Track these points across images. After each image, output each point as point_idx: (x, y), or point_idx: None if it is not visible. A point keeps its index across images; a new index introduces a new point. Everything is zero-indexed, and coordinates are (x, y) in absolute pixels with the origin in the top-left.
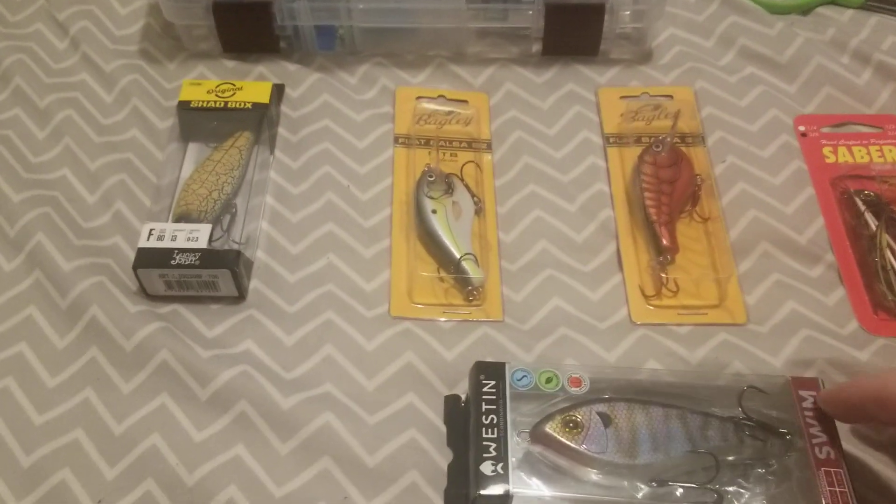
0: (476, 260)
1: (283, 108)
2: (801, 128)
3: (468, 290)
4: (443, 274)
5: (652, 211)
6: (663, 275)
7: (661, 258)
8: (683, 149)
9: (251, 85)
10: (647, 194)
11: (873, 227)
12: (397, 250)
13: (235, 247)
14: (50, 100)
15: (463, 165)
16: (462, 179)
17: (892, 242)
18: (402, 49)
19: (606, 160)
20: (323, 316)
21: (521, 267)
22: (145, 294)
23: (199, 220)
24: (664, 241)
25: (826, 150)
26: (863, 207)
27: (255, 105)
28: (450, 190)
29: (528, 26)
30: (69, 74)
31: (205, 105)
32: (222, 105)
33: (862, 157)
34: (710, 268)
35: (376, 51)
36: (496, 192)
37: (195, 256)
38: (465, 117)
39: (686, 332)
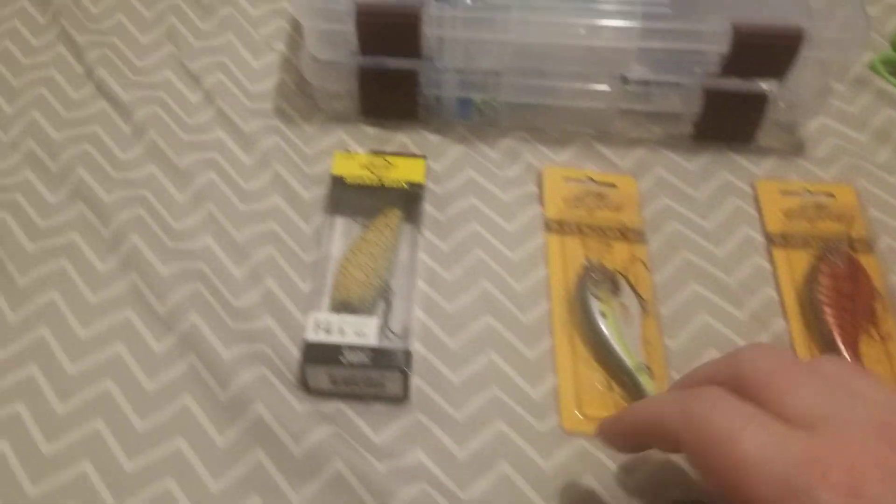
0: (650, 372)
1: (428, 181)
2: None
3: None
4: (614, 385)
5: (835, 330)
6: None
7: None
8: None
9: (404, 161)
10: (827, 310)
11: None
12: (561, 353)
13: (397, 341)
14: (189, 160)
15: (628, 264)
16: (626, 278)
17: None
18: (543, 124)
19: (772, 262)
20: (493, 426)
21: None
22: (307, 388)
23: (359, 309)
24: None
25: None
26: None
27: (410, 184)
28: (616, 289)
29: (683, 112)
30: (205, 131)
31: (360, 182)
32: (378, 183)
33: None
34: None
35: (517, 124)
36: (656, 290)
37: (365, 355)
38: (615, 203)
39: None
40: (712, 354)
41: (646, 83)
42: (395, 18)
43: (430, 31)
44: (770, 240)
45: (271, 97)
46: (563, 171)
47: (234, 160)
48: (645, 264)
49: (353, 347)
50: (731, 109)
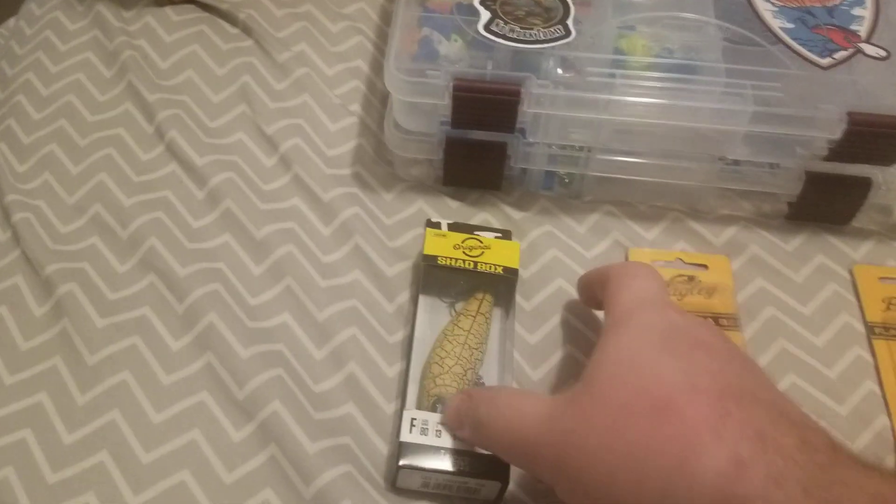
0: None
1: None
2: None
3: None
4: None
5: None
6: None
7: None
8: None
9: (498, 244)
10: None
11: None
12: None
13: None
14: (267, 231)
15: None
16: None
17: None
18: (630, 198)
19: (874, 354)
20: None
21: None
22: (393, 487)
23: None
24: None
25: None
26: None
27: (506, 269)
28: None
29: (779, 192)
30: (282, 199)
31: (453, 264)
32: (472, 266)
33: None
34: None
35: (602, 198)
36: None
37: (464, 462)
38: (706, 286)
39: None
40: None
41: (737, 162)
42: (494, 94)
43: (527, 108)
44: (871, 329)
45: (348, 163)
46: (651, 252)
47: (312, 231)
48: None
49: (451, 451)
50: (833, 192)
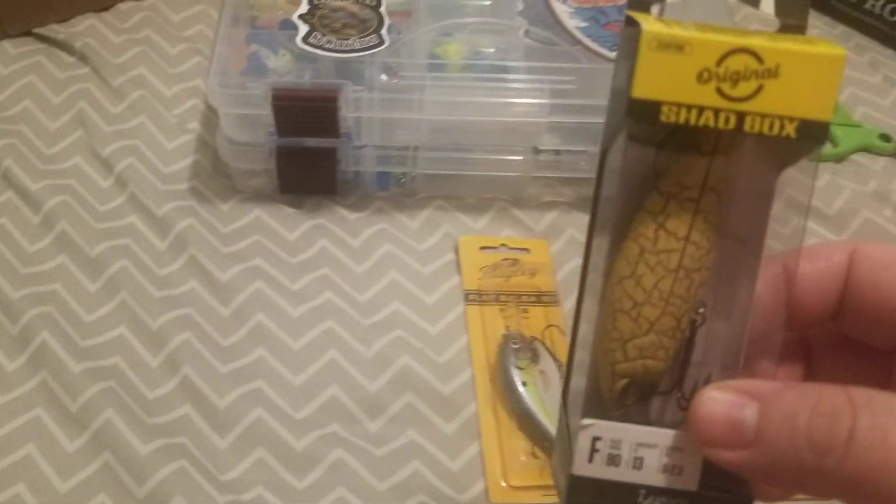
0: None
1: (352, 265)
2: None
3: None
4: (538, 452)
5: None
6: None
7: None
8: None
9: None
10: None
11: None
12: (486, 424)
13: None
14: (101, 248)
15: (545, 329)
16: (544, 343)
17: None
18: (460, 192)
19: None
20: (414, 500)
21: None
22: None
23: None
24: None
25: None
26: None
27: (804, 125)
28: (535, 357)
29: (590, 175)
30: (118, 218)
31: (697, 119)
32: (735, 121)
33: None
34: None
35: (435, 193)
36: None
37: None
38: (529, 268)
39: None
40: None
41: (557, 152)
42: (311, 102)
43: (346, 113)
44: None
45: (186, 178)
46: (478, 239)
47: (148, 246)
48: (559, 328)
49: (659, 492)
50: None
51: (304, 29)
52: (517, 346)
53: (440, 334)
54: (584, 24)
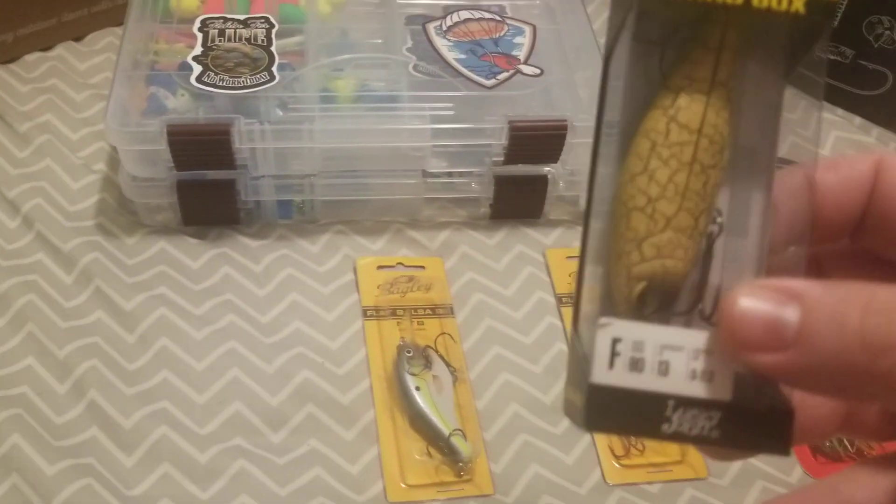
0: (463, 434)
1: (254, 289)
2: None
3: (458, 465)
4: (433, 452)
5: None
6: None
7: None
8: None
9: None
10: None
11: None
12: (383, 429)
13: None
14: (8, 284)
15: (437, 337)
16: (437, 350)
17: None
18: (359, 216)
19: (562, 320)
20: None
21: (497, 434)
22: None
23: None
24: None
25: None
26: None
27: (811, 4)
28: (428, 364)
29: (480, 195)
30: (25, 256)
31: None
32: None
33: None
34: None
35: (334, 219)
36: (466, 357)
37: (713, 420)
38: (425, 283)
39: (657, 490)
40: (514, 409)
41: (446, 174)
42: (205, 136)
43: (240, 145)
44: (559, 300)
45: (91, 215)
46: (375, 259)
47: (54, 280)
48: (452, 336)
49: (689, 403)
50: (519, 191)
51: (197, 69)
52: (410, 355)
53: (340, 349)
54: (462, 56)
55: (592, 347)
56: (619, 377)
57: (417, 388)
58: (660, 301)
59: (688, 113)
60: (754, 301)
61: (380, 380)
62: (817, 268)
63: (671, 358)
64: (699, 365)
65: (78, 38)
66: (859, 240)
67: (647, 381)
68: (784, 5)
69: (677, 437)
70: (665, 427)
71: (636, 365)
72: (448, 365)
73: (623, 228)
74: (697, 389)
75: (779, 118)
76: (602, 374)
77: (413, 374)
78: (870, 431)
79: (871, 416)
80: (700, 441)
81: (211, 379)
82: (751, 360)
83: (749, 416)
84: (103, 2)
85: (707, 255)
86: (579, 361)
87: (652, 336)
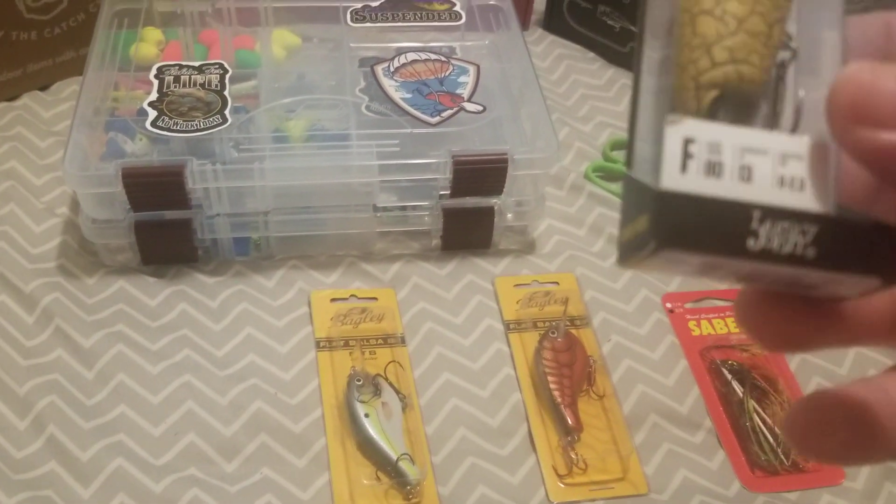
0: (411, 459)
1: (210, 324)
2: (668, 305)
3: (406, 489)
4: (382, 476)
5: (556, 393)
6: (572, 454)
7: (568, 437)
8: (573, 331)
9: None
10: (550, 378)
11: (740, 394)
12: (334, 456)
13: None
14: None
15: (386, 365)
16: (386, 378)
17: (757, 407)
18: (314, 251)
19: (509, 345)
20: None
21: (446, 458)
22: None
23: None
24: (570, 422)
25: (691, 324)
26: (729, 377)
27: None
28: (377, 391)
29: (431, 228)
30: None
31: None
32: None
33: (721, 329)
34: (612, 442)
35: (290, 254)
36: (416, 385)
37: (809, 235)
38: (377, 314)
39: None
40: (462, 433)
41: (398, 208)
42: (159, 178)
43: (194, 185)
44: (507, 326)
45: (53, 257)
46: (329, 292)
47: (16, 321)
48: (401, 364)
49: (779, 213)
50: (467, 222)
51: (153, 114)
52: (360, 383)
53: (293, 379)
54: (408, 96)
55: (660, 151)
56: (693, 182)
57: (366, 415)
58: (734, 112)
59: None
60: (876, 68)
61: (331, 408)
62: None
63: (755, 162)
64: (788, 171)
65: (43, 88)
66: None
67: (727, 188)
68: None
69: (765, 255)
70: (751, 242)
71: (713, 169)
72: (398, 392)
73: (689, 36)
74: (789, 198)
75: None
76: (673, 179)
77: (362, 402)
78: None
79: None
80: (792, 262)
81: (166, 411)
82: (869, 140)
83: (852, 232)
84: (67, 52)
85: (779, 84)
86: (639, 186)
87: (731, 137)
